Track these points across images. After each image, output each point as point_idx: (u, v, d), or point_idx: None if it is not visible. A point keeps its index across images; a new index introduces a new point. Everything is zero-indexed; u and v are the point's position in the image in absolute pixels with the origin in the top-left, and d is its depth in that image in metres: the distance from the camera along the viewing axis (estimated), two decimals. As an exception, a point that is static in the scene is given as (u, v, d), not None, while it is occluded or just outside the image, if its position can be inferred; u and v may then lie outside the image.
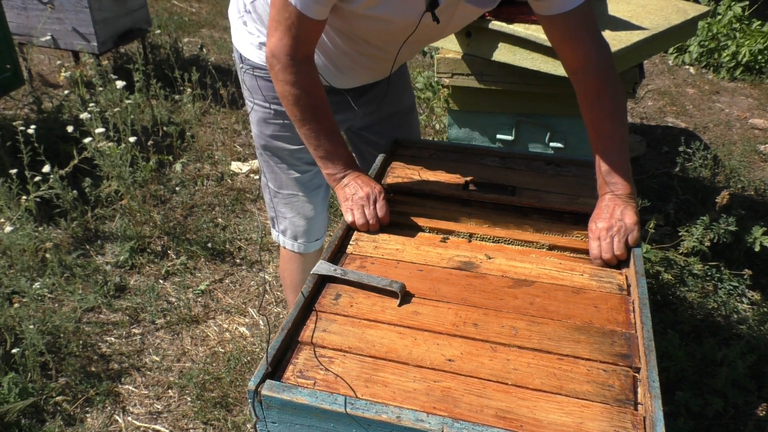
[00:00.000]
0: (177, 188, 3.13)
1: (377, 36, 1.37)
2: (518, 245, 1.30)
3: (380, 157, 1.53)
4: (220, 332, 2.31)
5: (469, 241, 1.30)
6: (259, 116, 1.61)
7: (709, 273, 2.34)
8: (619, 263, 1.23)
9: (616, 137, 1.29)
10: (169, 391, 2.08)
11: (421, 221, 1.36)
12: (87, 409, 2.01)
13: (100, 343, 2.25)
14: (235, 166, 3.32)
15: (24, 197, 2.62)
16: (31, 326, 2.08)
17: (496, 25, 1.93)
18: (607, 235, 1.23)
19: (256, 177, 3.24)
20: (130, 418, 1.99)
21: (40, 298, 2.34)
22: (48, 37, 3.74)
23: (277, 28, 1.26)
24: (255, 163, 3.33)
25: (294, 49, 1.27)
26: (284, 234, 1.79)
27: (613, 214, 1.25)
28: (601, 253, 1.22)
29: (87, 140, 2.69)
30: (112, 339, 2.28)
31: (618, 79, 1.32)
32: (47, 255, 2.50)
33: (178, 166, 3.25)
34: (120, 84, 3.19)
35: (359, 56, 1.46)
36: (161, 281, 2.56)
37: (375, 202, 1.33)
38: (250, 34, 1.53)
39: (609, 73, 1.30)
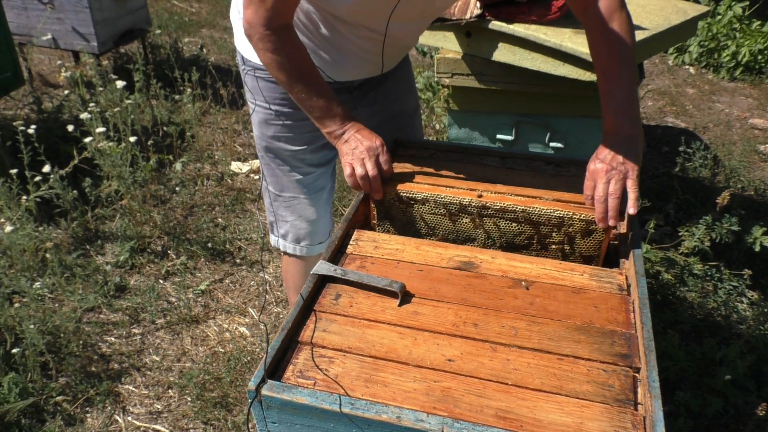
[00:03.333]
0: (177, 188, 3.13)
1: (360, 9, 1.33)
2: (522, 198, 1.30)
3: (380, 157, 1.53)
4: (220, 332, 2.31)
5: (478, 195, 1.31)
6: (260, 117, 1.61)
7: (709, 273, 2.34)
8: (622, 215, 1.21)
9: (621, 77, 1.27)
10: (169, 391, 2.09)
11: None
12: (87, 409, 2.01)
13: (100, 343, 2.25)
14: (235, 166, 3.32)
15: (24, 197, 2.62)
16: (32, 326, 2.08)
17: (496, 25, 1.94)
18: (604, 176, 1.20)
19: (256, 177, 3.24)
20: (130, 418, 1.99)
21: (40, 298, 2.34)
22: (48, 37, 3.75)
23: (252, 1, 1.25)
24: (255, 163, 3.33)
25: (269, 20, 1.25)
26: (284, 238, 1.77)
27: (615, 157, 1.21)
28: (593, 194, 1.20)
29: (87, 140, 2.69)
30: (112, 339, 2.28)
31: (627, 20, 1.29)
32: (47, 255, 2.50)
33: (178, 166, 3.25)
34: (120, 84, 3.19)
35: (354, 37, 1.43)
36: (161, 281, 2.56)
37: (378, 156, 1.31)
38: (251, 35, 1.53)
39: (615, 13, 1.28)
